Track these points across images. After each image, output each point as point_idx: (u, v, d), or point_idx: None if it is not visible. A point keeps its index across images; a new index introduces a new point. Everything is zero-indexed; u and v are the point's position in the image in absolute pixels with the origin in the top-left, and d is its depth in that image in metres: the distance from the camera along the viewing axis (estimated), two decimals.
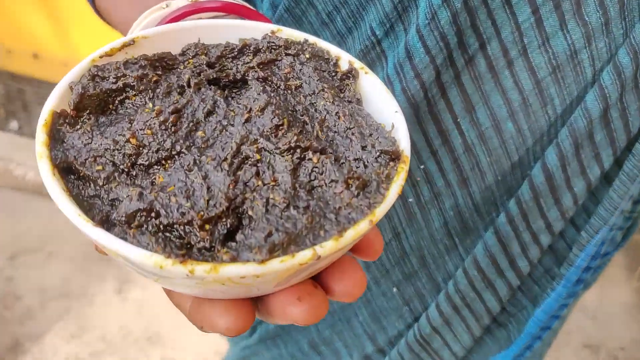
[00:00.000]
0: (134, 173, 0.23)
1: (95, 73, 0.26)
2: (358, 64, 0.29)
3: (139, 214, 0.21)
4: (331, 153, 0.24)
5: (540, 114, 0.39)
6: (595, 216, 0.42)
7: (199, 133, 0.25)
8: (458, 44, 0.36)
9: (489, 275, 0.45)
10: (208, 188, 0.22)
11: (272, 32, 0.30)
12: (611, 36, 0.35)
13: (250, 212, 0.22)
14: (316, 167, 0.24)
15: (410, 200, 0.44)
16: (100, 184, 0.23)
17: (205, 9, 0.35)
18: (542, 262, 0.47)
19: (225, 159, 0.24)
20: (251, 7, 0.37)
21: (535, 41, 0.36)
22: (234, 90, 0.29)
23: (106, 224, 0.22)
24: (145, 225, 0.21)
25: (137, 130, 0.24)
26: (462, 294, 0.46)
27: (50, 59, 1.43)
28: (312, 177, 0.24)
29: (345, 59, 0.29)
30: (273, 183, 0.23)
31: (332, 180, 0.23)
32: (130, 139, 0.24)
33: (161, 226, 0.21)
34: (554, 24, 0.35)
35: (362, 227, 0.21)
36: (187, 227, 0.21)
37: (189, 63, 0.29)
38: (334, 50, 0.29)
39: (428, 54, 0.36)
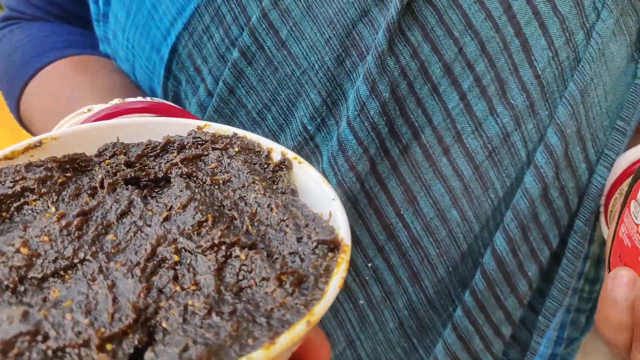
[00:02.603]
0: (22, 289, 0.19)
1: None
2: (291, 154, 0.27)
3: (20, 339, 0.17)
4: (263, 248, 0.22)
5: (483, 198, 0.38)
6: (549, 298, 0.40)
7: (109, 237, 0.22)
8: (390, 133, 0.36)
9: None
10: (114, 299, 0.19)
11: (199, 128, 0.28)
12: (538, 117, 0.36)
13: (164, 324, 0.18)
14: (245, 265, 0.21)
15: (362, 302, 0.41)
16: None
17: (129, 111, 0.33)
18: (508, 355, 0.44)
19: (138, 264, 0.20)
20: (179, 107, 0.36)
21: (468, 127, 0.36)
22: (156, 190, 0.26)
23: None
24: (28, 353, 0.17)
25: (32, 237, 0.21)
26: None
27: None
28: (241, 277, 0.20)
29: (278, 150, 0.28)
30: (194, 287, 0.20)
31: (263, 279, 0.20)
32: (21, 248, 0.20)
33: (49, 352, 0.17)
34: (483, 109, 0.36)
35: (298, 331, 0.18)
36: (82, 349, 0.17)
37: (105, 163, 0.26)
38: (265, 142, 0.28)
39: (361, 145, 0.35)
